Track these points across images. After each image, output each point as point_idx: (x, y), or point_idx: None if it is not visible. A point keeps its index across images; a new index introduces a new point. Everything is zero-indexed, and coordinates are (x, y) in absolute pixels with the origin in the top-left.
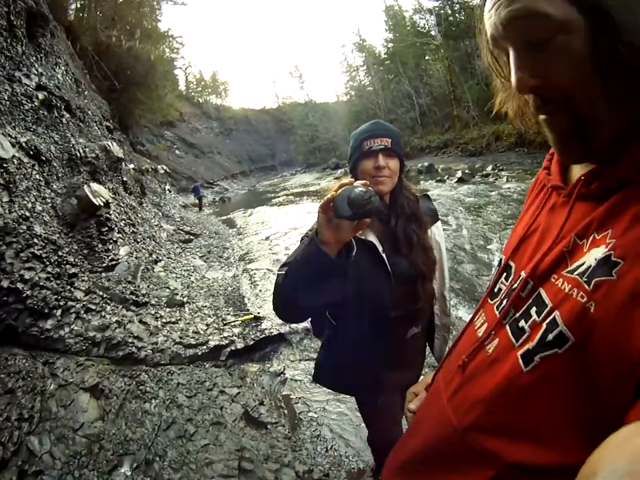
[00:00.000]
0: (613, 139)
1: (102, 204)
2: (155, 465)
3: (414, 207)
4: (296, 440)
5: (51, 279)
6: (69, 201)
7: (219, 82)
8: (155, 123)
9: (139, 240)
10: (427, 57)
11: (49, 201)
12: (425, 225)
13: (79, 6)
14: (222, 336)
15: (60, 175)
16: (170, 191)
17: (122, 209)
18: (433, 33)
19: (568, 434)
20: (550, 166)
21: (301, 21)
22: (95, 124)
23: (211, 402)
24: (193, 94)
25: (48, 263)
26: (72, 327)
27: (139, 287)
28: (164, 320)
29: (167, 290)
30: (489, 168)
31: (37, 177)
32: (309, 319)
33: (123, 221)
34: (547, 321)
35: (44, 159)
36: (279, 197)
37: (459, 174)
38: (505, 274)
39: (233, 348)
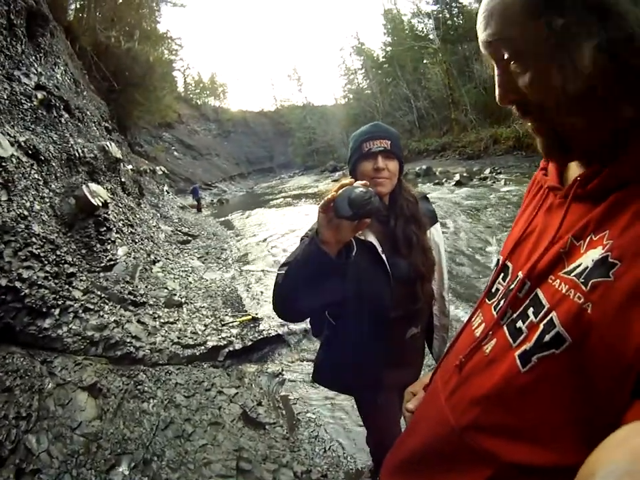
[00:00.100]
0: (599, 143)
1: (100, 204)
2: (153, 464)
3: (413, 208)
4: (294, 440)
5: (49, 278)
6: (67, 201)
7: (217, 84)
8: (153, 124)
9: (137, 240)
10: (425, 61)
11: (48, 200)
12: (424, 226)
13: (78, 6)
14: (220, 336)
15: (58, 174)
16: (168, 192)
17: (120, 209)
18: (431, 36)
19: (565, 434)
20: (547, 166)
21: (300, 23)
22: (93, 124)
23: (209, 402)
24: (191, 96)
25: (46, 262)
26: (70, 326)
27: (137, 287)
28: (162, 320)
29: (165, 290)
30: (487, 171)
31: (36, 176)
32: (308, 319)
33: (121, 222)
34: (544, 321)
35: (42, 158)
36: (276, 199)
37: (457, 177)
38: (502, 274)
39: (231, 348)
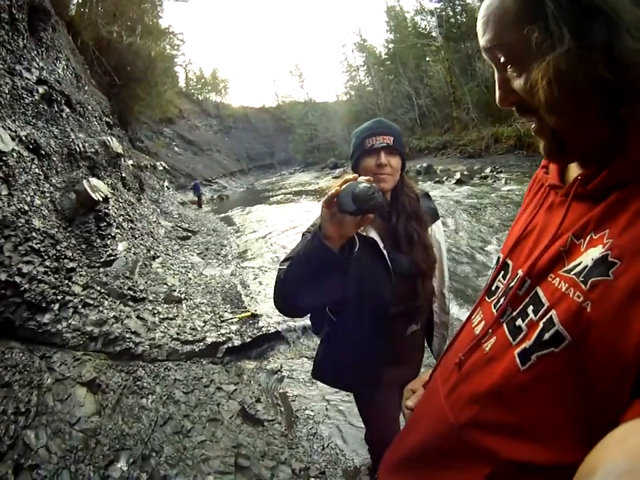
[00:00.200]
0: (595, 145)
1: (101, 199)
2: (152, 460)
3: (415, 205)
4: (292, 437)
5: (49, 273)
6: (68, 196)
7: (218, 79)
8: (154, 119)
9: (137, 236)
10: (427, 58)
11: (48, 195)
12: (425, 223)
13: (80, 1)
14: (219, 333)
15: (59, 169)
16: (168, 188)
17: (120, 204)
18: (434, 34)
19: (565, 433)
20: (548, 165)
21: (302, 20)
22: (94, 119)
23: (208, 398)
24: (192, 91)
25: (46, 257)
26: (69, 321)
27: (136, 282)
28: (161, 316)
29: (165, 286)
30: (488, 170)
31: (36, 170)
32: (309, 316)
33: (122, 217)
34: (544, 319)
35: (43, 153)
36: (277, 195)
37: (458, 175)
38: (502, 272)
39: (230, 345)
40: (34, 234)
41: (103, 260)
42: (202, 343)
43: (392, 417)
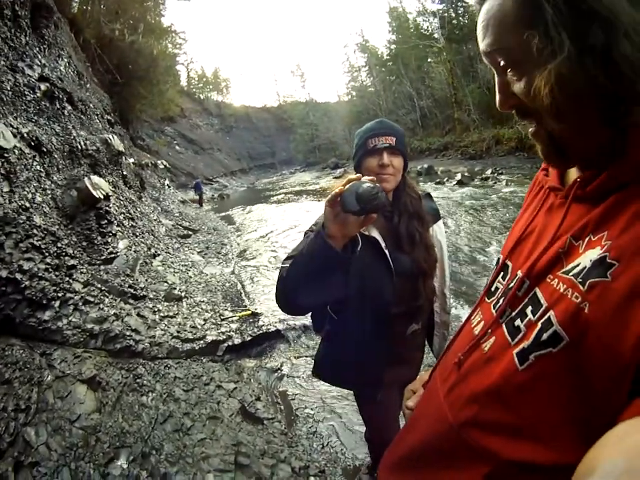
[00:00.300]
0: (597, 150)
1: (102, 197)
2: (152, 458)
3: (417, 205)
4: (292, 436)
5: (50, 270)
6: (69, 193)
7: (220, 79)
8: (155, 117)
9: (137, 234)
10: (429, 60)
11: (49, 192)
12: (427, 223)
13: None
14: (219, 331)
15: (60, 166)
16: (169, 186)
17: (121, 202)
18: (436, 35)
19: (564, 433)
20: (548, 167)
21: (304, 20)
22: (96, 117)
23: (208, 396)
24: (194, 90)
25: (47, 254)
26: (70, 318)
27: (137, 280)
28: (162, 314)
29: (165, 284)
30: (489, 171)
31: (38, 167)
32: (310, 315)
33: (122, 215)
34: (542, 320)
35: (45, 150)
36: (277, 195)
37: (459, 177)
38: (502, 273)
39: (230, 343)
40: (35, 231)
41: (103, 257)
42: (202, 341)
43: (392, 416)
